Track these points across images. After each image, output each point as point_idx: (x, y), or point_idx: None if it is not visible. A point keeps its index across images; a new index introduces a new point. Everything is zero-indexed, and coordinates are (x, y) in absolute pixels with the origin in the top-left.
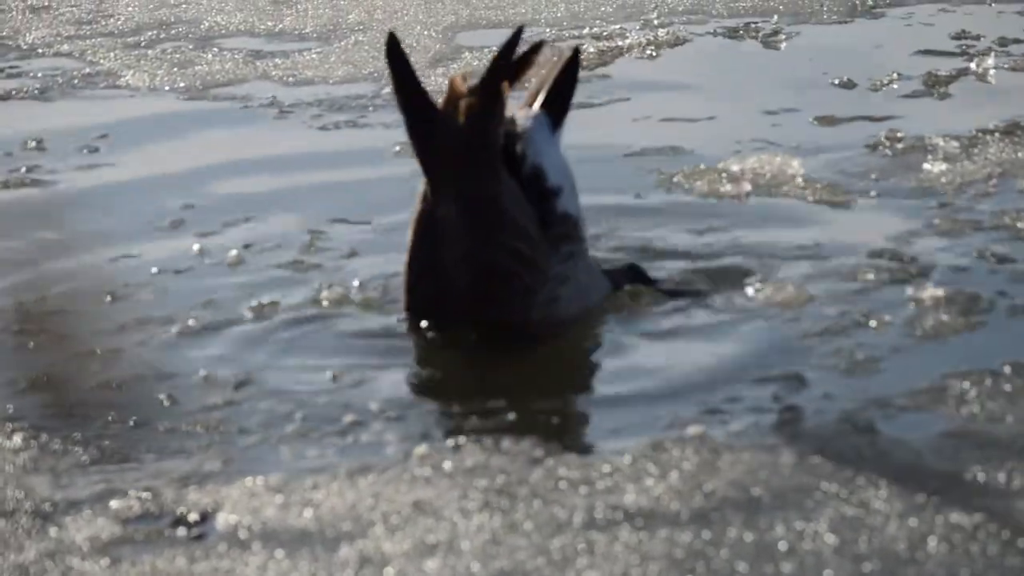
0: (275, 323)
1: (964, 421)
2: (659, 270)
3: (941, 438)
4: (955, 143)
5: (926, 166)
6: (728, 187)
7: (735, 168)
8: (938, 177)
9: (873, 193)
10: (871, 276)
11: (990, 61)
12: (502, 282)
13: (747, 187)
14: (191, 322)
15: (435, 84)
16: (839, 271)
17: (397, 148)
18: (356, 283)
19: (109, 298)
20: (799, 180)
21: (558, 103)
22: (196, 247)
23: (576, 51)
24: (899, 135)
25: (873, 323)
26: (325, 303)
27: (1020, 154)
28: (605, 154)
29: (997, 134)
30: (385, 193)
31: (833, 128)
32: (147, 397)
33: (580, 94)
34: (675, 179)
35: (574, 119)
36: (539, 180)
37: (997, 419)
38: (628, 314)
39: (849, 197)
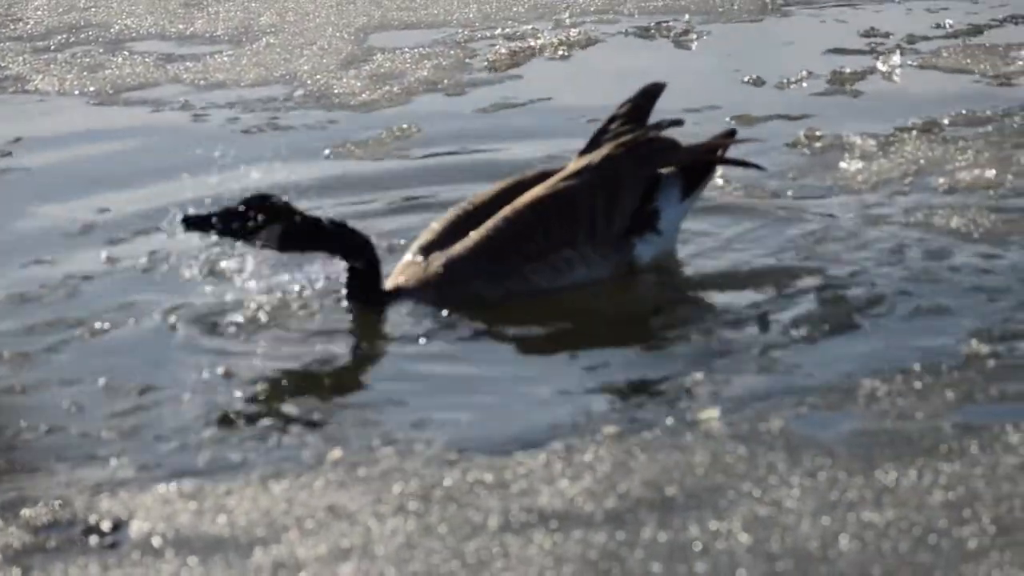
0: (184, 328)
1: (875, 419)
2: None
3: (852, 436)
4: (872, 141)
5: (843, 164)
6: None
7: None
8: (854, 175)
9: (790, 192)
10: (783, 275)
11: (899, 59)
12: None
13: None
14: (99, 326)
15: (347, 86)
16: (752, 271)
17: (317, 149)
18: (273, 288)
19: (20, 302)
20: (718, 179)
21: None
22: (106, 254)
23: (733, 132)
24: (818, 133)
25: (784, 322)
26: (241, 308)
27: (935, 152)
28: (524, 156)
29: (915, 132)
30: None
31: (751, 127)
32: (58, 403)
33: (496, 95)
34: None
35: (492, 116)
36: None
37: (907, 416)
38: (545, 316)
39: (765, 196)
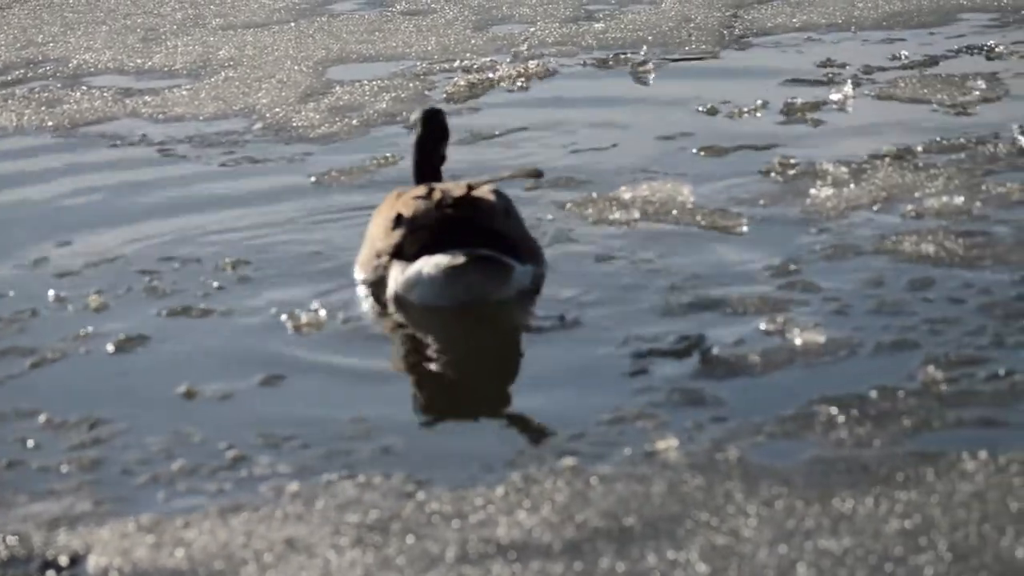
0: (139, 357)
1: (832, 447)
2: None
3: (809, 465)
4: (844, 169)
5: (813, 191)
6: (618, 215)
7: (627, 196)
8: (824, 202)
9: (759, 219)
10: (742, 302)
11: (856, 89)
12: None
13: (635, 214)
14: (51, 356)
15: (305, 119)
16: (715, 298)
17: (276, 185)
18: (234, 311)
19: None
20: (688, 206)
21: None
22: (58, 289)
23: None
24: (792, 161)
25: (742, 349)
26: (199, 334)
27: (907, 179)
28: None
29: (887, 159)
30: (256, 231)
31: (720, 157)
32: (15, 435)
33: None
34: (567, 207)
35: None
36: None
37: (864, 444)
38: (498, 346)
39: (735, 223)
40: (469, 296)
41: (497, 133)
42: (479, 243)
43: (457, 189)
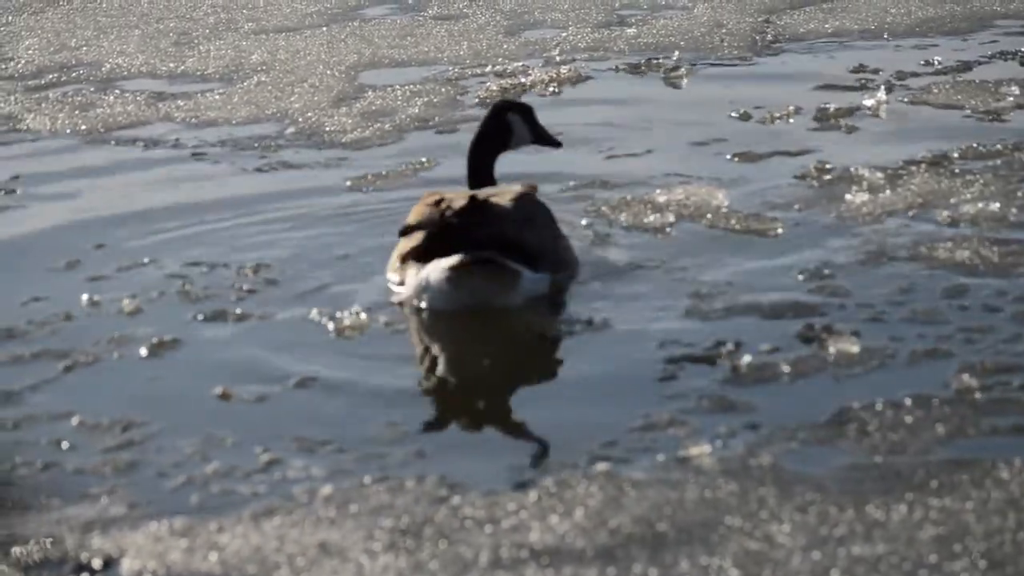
0: (172, 360)
1: (866, 454)
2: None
3: (843, 471)
4: (880, 174)
5: (849, 197)
6: (652, 218)
7: (661, 199)
8: (859, 208)
9: (794, 223)
10: (779, 308)
11: (891, 95)
12: None
13: (671, 218)
14: (85, 359)
15: (338, 123)
16: (750, 304)
17: (309, 188)
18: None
19: (5, 337)
20: (723, 210)
21: None
22: (91, 293)
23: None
24: (828, 166)
25: (775, 356)
26: (230, 339)
27: (942, 185)
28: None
29: (923, 165)
30: (287, 234)
31: (753, 164)
32: (52, 438)
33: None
34: (602, 210)
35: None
36: None
37: (898, 451)
38: (530, 351)
39: (770, 227)
40: (474, 300)
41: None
42: (487, 248)
43: (460, 199)
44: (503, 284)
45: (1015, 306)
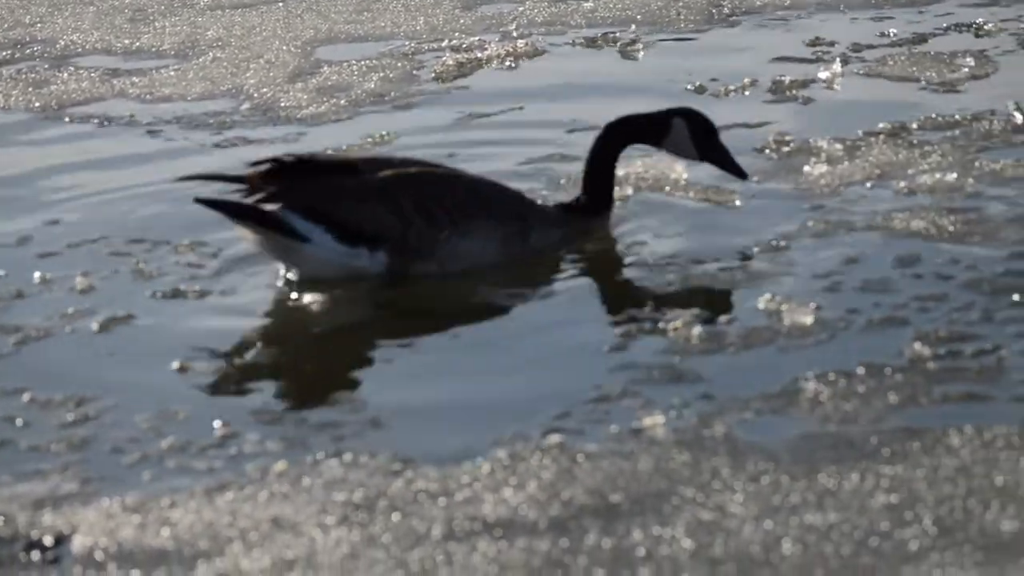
0: (126, 336)
1: (818, 423)
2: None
3: (795, 440)
4: (838, 145)
5: (807, 168)
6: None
7: (620, 172)
8: (817, 179)
9: (752, 195)
10: (732, 279)
11: (846, 67)
12: None
13: (628, 190)
14: (36, 334)
15: (293, 99)
16: (702, 273)
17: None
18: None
19: None
20: (682, 182)
21: None
22: (42, 269)
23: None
24: (786, 138)
25: (730, 326)
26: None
27: (900, 156)
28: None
29: (882, 136)
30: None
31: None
32: (0, 415)
33: (443, 106)
34: (561, 183)
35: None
36: None
37: (851, 420)
38: (482, 324)
39: (728, 199)
40: (275, 260)
41: (487, 113)
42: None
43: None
44: (284, 248)
45: (968, 274)
